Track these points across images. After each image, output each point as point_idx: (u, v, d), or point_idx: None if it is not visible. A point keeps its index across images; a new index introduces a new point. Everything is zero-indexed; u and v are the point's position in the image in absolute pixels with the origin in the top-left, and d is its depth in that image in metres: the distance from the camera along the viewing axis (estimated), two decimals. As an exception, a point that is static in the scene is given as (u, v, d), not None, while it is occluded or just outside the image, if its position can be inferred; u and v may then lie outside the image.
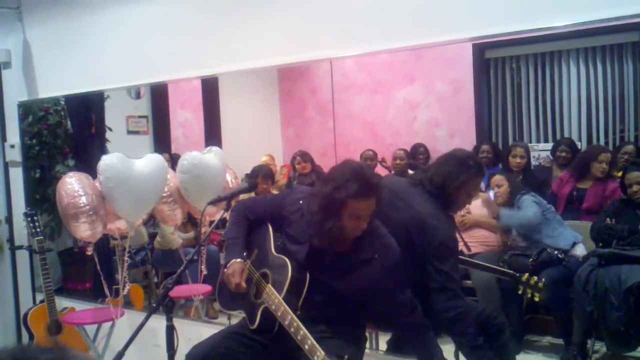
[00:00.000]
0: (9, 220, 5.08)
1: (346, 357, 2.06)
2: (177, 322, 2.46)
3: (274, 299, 2.42)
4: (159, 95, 5.69)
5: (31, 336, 4.22)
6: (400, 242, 2.58)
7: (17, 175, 5.05)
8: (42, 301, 4.26)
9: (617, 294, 3.24)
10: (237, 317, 2.97)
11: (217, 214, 3.60)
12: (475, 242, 4.03)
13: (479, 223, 4.14)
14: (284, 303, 2.38)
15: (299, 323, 2.28)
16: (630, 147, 4.38)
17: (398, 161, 5.08)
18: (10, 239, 5.08)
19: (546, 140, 4.99)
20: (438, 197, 2.80)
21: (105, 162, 3.45)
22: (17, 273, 5.12)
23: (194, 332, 3.53)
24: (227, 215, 2.85)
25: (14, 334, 5.09)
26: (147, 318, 2.35)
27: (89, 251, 3.70)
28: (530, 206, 3.88)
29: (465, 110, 5.23)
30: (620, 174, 3.90)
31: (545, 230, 3.85)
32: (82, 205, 3.44)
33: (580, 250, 3.81)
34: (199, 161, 3.67)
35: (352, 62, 5.43)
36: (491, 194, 4.12)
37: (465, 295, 3.00)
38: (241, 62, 3.75)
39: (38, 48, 4.84)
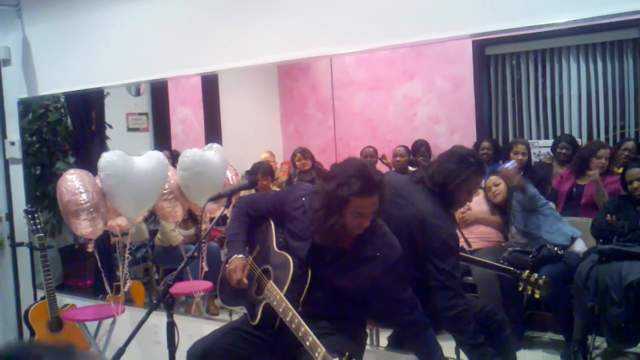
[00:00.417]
0: (10, 217, 5.08)
1: (347, 353, 2.06)
2: (178, 319, 2.47)
3: (276, 295, 2.43)
4: (159, 92, 5.69)
5: (32, 333, 4.23)
6: (401, 240, 2.58)
7: (17, 173, 5.05)
8: (43, 298, 4.26)
9: (617, 290, 3.24)
10: (238, 313, 2.98)
11: (217, 210, 3.60)
12: (475, 237, 4.04)
13: (480, 219, 4.14)
14: (285, 299, 2.39)
15: (300, 319, 2.29)
16: (630, 144, 4.37)
17: (398, 158, 5.07)
18: (11, 236, 5.08)
19: (546, 137, 4.99)
20: (439, 194, 2.80)
21: (106, 159, 3.45)
22: (18, 270, 5.12)
23: (195, 328, 3.53)
24: (227, 211, 2.85)
25: (15, 331, 5.09)
26: (148, 315, 2.35)
27: (90, 248, 3.70)
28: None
29: (465, 106, 5.22)
30: (620, 170, 3.90)
31: (544, 226, 3.85)
32: (82, 202, 3.45)
33: (580, 247, 3.81)
34: (200, 158, 3.67)
35: (352, 58, 5.42)
36: (511, 163, 4.07)
37: (466, 292, 3.01)
38: (241, 59, 3.75)
39: (38, 45, 4.83)
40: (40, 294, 4.56)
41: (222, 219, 3.89)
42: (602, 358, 3.62)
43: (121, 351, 2.35)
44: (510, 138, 5.08)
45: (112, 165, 3.44)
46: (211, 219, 3.82)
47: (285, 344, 2.47)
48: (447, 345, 2.78)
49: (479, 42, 4.71)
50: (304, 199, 2.61)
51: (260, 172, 4.84)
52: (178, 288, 4.05)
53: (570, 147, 4.54)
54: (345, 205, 2.35)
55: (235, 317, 3.41)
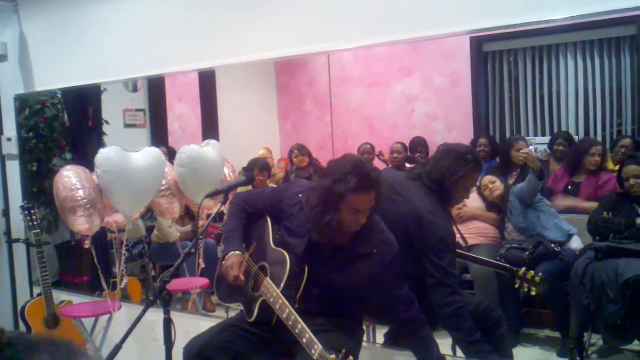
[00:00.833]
0: (6, 213, 5.07)
1: (344, 350, 2.06)
2: (175, 315, 2.46)
3: (272, 291, 2.43)
4: (156, 88, 5.68)
5: (28, 329, 4.22)
6: (398, 237, 2.58)
7: (13, 168, 5.03)
8: (39, 294, 4.26)
9: (613, 287, 3.25)
10: (234, 310, 2.98)
11: (214, 207, 3.60)
12: (472, 233, 4.04)
13: (476, 215, 4.15)
14: (281, 296, 2.39)
15: (297, 316, 2.29)
16: (627, 141, 4.38)
17: (395, 154, 5.07)
18: (7, 232, 5.07)
19: (543, 134, 4.99)
20: (436, 191, 2.80)
21: (103, 155, 3.45)
22: (14, 266, 5.11)
23: (192, 325, 3.53)
24: (224, 208, 2.84)
25: (11, 327, 5.08)
26: (144, 311, 2.35)
27: (87, 244, 3.70)
28: None
29: (462, 103, 5.23)
30: (617, 167, 3.90)
31: (540, 222, 3.86)
32: (79, 198, 3.44)
33: (576, 244, 3.82)
34: (197, 154, 3.67)
35: (350, 55, 5.42)
36: (531, 148, 4.08)
37: (463, 289, 3.02)
38: (238, 55, 3.73)
39: (34, 41, 4.82)
40: (37, 290, 4.55)
41: (219, 215, 3.90)
42: (598, 355, 3.63)
43: (118, 347, 2.34)
44: (507, 135, 5.09)
45: (109, 161, 3.43)
46: (208, 216, 3.82)
47: (282, 341, 2.47)
48: (444, 342, 2.78)
49: (477, 38, 4.72)
50: (301, 195, 2.61)
51: (256, 167, 4.84)
52: (175, 284, 4.06)
53: (567, 144, 4.54)
54: (342, 201, 2.35)
55: (231, 314, 3.41)
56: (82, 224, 3.50)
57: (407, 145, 5.17)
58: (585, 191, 4.14)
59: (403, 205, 2.77)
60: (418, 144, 5.19)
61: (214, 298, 4.34)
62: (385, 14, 3.19)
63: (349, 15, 3.32)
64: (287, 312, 2.32)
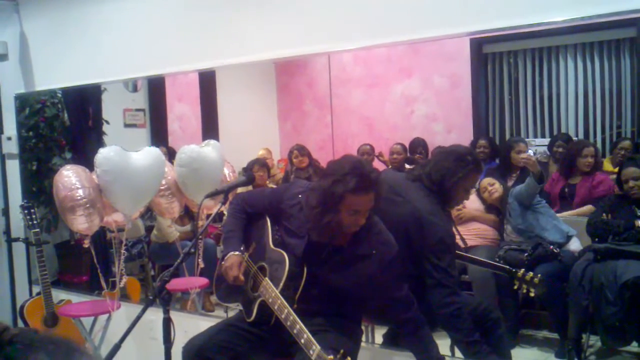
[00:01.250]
0: (6, 212, 5.07)
1: (342, 350, 2.06)
2: (174, 315, 2.46)
3: (271, 292, 2.43)
4: (156, 88, 5.69)
5: (28, 328, 4.22)
6: (397, 238, 2.58)
7: (13, 168, 5.04)
8: (38, 293, 4.26)
9: (612, 289, 3.25)
10: (234, 309, 2.97)
11: (214, 207, 3.60)
12: (471, 235, 4.04)
13: (475, 217, 4.15)
14: (280, 296, 2.39)
15: (295, 317, 2.29)
16: (626, 143, 4.38)
17: (395, 155, 5.07)
18: (7, 231, 5.08)
19: (543, 136, 5.00)
20: (436, 192, 2.80)
21: (103, 154, 3.45)
22: (14, 265, 5.11)
23: (191, 324, 3.53)
24: (224, 208, 2.85)
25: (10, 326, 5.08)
26: (143, 311, 2.35)
27: (86, 244, 3.70)
28: None
29: (462, 104, 5.23)
30: (616, 169, 3.91)
31: (539, 224, 3.86)
32: (79, 198, 3.44)
33: (575, 245, 3.82)
34: (197, 154, 3.67)
35: (350, 56, 5.43)
36: (530, 151, 4.09)
37: (462, 290, 3.02)
38: (238, 56, 3.74)
39: (35, 40, 4.82)
40: (36, 289, 4.55)
41: (219, 215, 3.90)
42: (596, 356, 3.64)
43: (117, 347, 2.35)
44: (507, 136, 5.09)
45: (109, 161, 3.43)
46: (208, 216, 3.82)
47: (281, 341, 2.47)
48: (443, 343, 2.78)
49: (477, 40, 4.72)
50: (300, 196, 2.61)
51: (256, 165, 4.86)
52: (174, 284, 4.05)
53: (566, 146, 4.55)
54: (341, 202, 2.35)
55: (231, 314, 3.40)
56: (81, 223, 3.50)
57: (407, 146, 5.18)
58: (580, 192, 4.15)
59: (403, 206, 2.77)
60: (418, 145, 5.19)
61: (213, 298, 4.33)
62: (386, 15, 3.19)
63: (349, 16, 3.32)
64: (286, 312, 2.32)
